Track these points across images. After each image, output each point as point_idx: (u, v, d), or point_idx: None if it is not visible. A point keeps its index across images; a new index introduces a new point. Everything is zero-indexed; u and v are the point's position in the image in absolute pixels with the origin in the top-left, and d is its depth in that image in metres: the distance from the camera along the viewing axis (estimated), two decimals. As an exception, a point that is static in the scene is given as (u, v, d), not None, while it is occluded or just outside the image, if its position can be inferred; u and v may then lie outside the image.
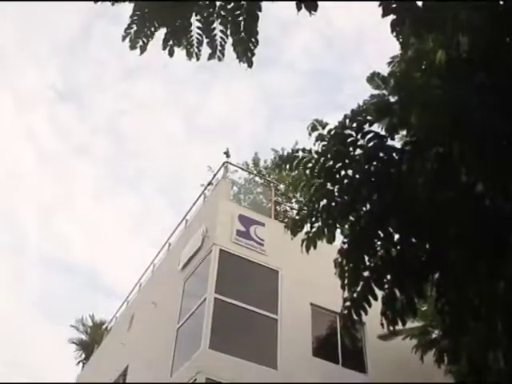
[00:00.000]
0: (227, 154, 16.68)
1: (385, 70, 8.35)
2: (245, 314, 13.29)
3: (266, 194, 18.10)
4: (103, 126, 63.34)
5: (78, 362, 32.26)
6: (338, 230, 5.48)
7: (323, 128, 5.05)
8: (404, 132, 5.21)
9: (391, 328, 5.12)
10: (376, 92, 8.23)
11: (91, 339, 30.83)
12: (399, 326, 13.35)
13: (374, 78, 9.00)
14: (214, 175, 17.62)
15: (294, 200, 21.12)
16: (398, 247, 4.83)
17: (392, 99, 5.46)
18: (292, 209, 19.06)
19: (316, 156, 5.09)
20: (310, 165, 5.10)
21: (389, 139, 4.99)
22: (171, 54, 5.03)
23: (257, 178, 20.89)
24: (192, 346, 12.89)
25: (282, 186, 21.16)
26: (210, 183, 17.57)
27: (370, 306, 5.07)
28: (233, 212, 14.80)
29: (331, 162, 5.02)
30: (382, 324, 5.10)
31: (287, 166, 5.16)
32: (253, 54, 4.88)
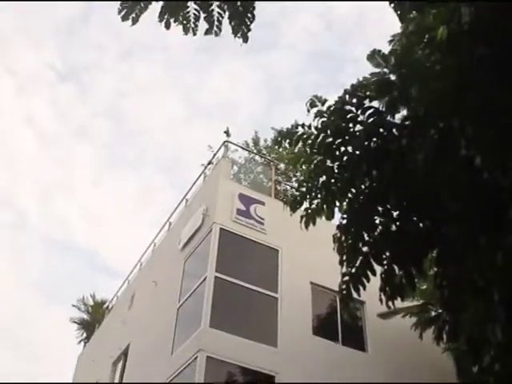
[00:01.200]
0: (227, 133, 16.62)
1: (386, 50, 8.27)
2: (245, 293, 13.33)
3: (267, 173, 18.06)
4: (103, 107, 63.08)
5: (80, 341, 32.42)
6: (337, 208, 5.45)
7: (322, 104, 5.00)
8: (404, 112, 5.16)
9: (390, 305, 5.10)
10: (377, 70, 8.15)
11: (92, 318, 30.96)
12: (398, 305, 13.45)
13: (374, 56, 8.89)
14: (214, 154, 17.58)
15: (294, 179, 21.09)
16: (398, 223, 4.81)
17: (393, 77, 5.39)
18: (292, 188, 19.03)
19: (315, 132, 5.05)
20: (309, 141, 5.06)
21: (389, 117, 4.95)
22: (167, 26, 4.98)
23: (257, 157, 20.85)
24: (193, 324, 12.94)
25: (282, 166, 21.10)
26: (210, 162, 17.53)
27: (368, 281, 5.07)
28: (233, 191, 14.78)
29: (331, 139, 4.99)
30: (381, 300, 5.09)
31: (287, 142, 5.11)
32: (248, 29, 4.82)
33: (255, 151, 23.04)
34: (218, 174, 15.64)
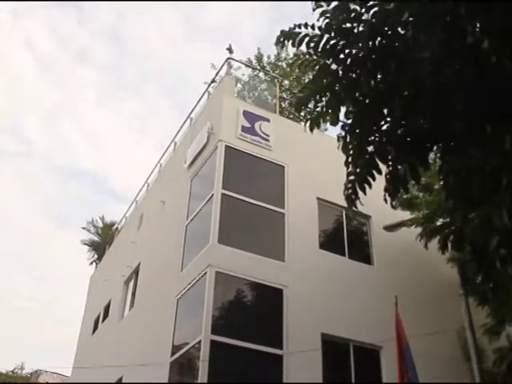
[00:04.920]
0: (230, 49, 16.32)
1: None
2: (252, 209, 13.43)
3: (271, 90, 17.85)
4: (103, 29, 61.94)
5: (91, 263, 33.11)
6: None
7: (328, 5, 4.85)
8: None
9: (393, 203, 5.11)
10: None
11: (102, 240, 31.48)
12: (404, 216, 13.54)
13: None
14: (218, 72, 17.33)
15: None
16: (402, 122, 4.74)
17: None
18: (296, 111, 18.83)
19: (319, 32, 4.92)
20: (312, 43, 4.94)
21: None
22: None
23: (261, 74, 20.55)
24: (201, 241, 13.12)
25: (286, 82, 20.83)
26: (213, 80, 17.32)
27: (374, 179, 5.05)
28: (237, 108, 14.65)
29: (335, 40, 4.87)
30: (386, 200, 5.10)
31: (289, 42, 4.98)
32: None
33: (259, 68, 22.68)
34: (222, 91, 15.45)
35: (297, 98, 5.43)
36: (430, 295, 14.05)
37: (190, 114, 17.52)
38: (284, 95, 19.32)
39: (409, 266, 14.56)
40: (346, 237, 14.61)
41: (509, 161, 3.88)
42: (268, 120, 14.87)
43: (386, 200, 5.11)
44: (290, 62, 21.73)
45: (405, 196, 13.54)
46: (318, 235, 14.09)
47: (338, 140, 5.15)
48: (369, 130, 4.88)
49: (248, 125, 14.41)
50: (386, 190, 5.05)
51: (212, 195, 13.21)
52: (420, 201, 13.22)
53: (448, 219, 10.43)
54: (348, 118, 4.99)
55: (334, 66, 4.98)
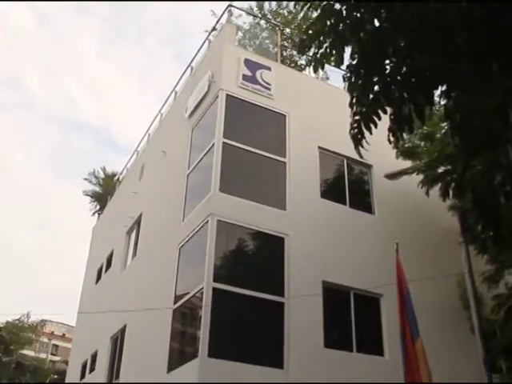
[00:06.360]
0: (231, -5, 16.01)
1: None
2: (253, 158, 13.39)
3: (272, 38, 17.59)
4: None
5: (94, 213, 33.27)
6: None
7: None
8: None
9: (397, 145, 5.10)
10: None
11: (104, 190, 31.53)
12: (406, 165, 13.51)
13: None
14: (218, 20, 17.07)
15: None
16: (407, 61, 4.67)
17: None
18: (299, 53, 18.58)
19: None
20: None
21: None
22: None
23: (262, 22, 20.22)
24: (202, 190, 13.13)
25: (288, 30, 20.50)
26: (214, 28, 17.06)
27: (379, 118, 5.00)
28: (238, 56, 14.45)
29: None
30: (389, 140, 5.07)
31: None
32: None
33: (260, 16, 22.29)
34: (223, 39, 15.23)
35: (300, 39, 5.32)
36: (431, 244, 14.14)
37: (190, 62, 17.33)
38: (285, 43, 19.05)
39: (409, 216, 14.61)
40: (347, 186, 14.62)
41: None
42: (269, 68, 14.70)
43: (389, 140, 5.08)
44: (292, 9, 21.36)
45: (406, 145, 13.51)
46: (319, 184, 14.09)
47: (344, 80, 5.09)
48: (374, 69, 4.81)
49: (249, 73, 14.24)
50: (389, 130, 5.01)
51: (213, 144, 13.16)
52: (421, 149, 13.17)
53: (449, 167, 10.45)
54: (353, 59, 4.92)
55: (337, 6, 4.89)
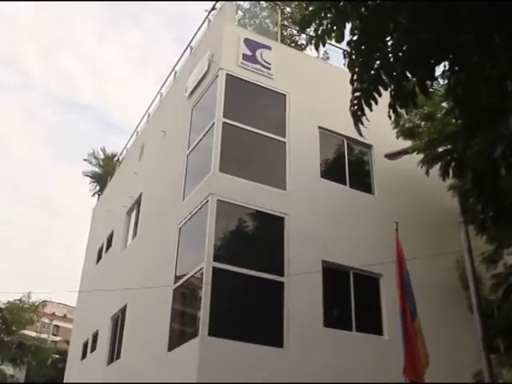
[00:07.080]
0: (231, -25, 15.83)
1: None
2: (253, 138, 13.36)
3: (272, 18, 17.45)
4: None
5: (94, 194, 33.32)
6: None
7: None
8: None
9: (397, 121, 5.08)
10: None
11: (104, 171, 31.56)
12: (406, 144, 13.47)
13: None
14: (218, -1, 16.88)
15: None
16: (409, 37, 4.64)
17: None
18: (299, 32, 18.49)
19: None
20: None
21: None
22: None
23: (262, 1, 20.03)
24: (202, 170, 13.12)
25: (288, 9, 20.34)
26: (213, 8, 16.89)
27: (380, 95, 4.97)
28: (238, 36, 14.36)
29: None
30: (390, 116, 5.05)
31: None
32: None
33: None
34: (223, 18, 15.12)
35: (302, 15, 5.27)
36: (431, 223, 14.18)
37: (190, 42, 17.22)
38: (286, 23, 18.91)
39: (409, 196, 14.62)
40: (348, 166, 14.61)
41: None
42: (269, 48, 14.62)
43: (390, 116, 5.05)
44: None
45: (407, 125, 13.46)
46: (319, 164, 14.07)
47: (344, 57, 5.06)
48: (375, 45, 4.78)
49: (249, 53, 14.16)
50: (390, 106, 4.98)
51: (213, 124, 13.13)
52: (422, 130, 13.12)
53: (450, 146, 10.41)
54: (353, 35, 4.88)
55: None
